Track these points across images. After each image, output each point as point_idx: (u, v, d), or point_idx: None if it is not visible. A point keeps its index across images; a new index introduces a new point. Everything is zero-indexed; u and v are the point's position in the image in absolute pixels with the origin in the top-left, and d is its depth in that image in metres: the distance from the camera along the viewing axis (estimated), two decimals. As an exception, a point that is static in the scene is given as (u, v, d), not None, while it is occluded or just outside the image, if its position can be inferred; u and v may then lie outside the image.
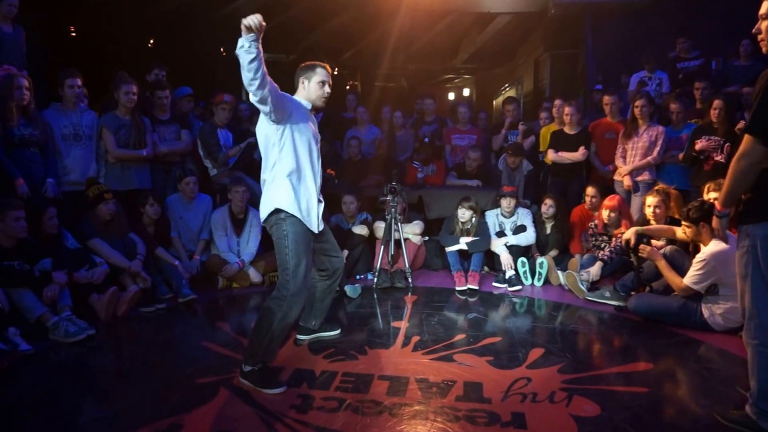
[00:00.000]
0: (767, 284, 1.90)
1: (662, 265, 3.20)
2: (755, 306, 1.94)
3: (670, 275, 3.14)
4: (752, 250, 1.91)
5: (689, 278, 2.98)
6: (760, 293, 1.92)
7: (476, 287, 3.96)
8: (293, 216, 2.37)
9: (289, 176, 2.38)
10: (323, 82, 2.46)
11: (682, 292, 3.06)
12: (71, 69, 3.76)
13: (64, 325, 2.91)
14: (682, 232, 3.16)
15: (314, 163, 2.47)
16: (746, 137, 1.85)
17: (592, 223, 4.22)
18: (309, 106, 2.51)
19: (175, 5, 7.08)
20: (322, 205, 2.56)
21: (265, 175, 2.45)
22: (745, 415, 2.02)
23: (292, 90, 2.50)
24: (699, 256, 2.97)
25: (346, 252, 4.03)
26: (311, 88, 2.46)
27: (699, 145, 3.93)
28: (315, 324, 2.91)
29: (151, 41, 7.78)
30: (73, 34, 6.91)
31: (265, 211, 2.43)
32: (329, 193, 4.75)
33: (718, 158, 3.88)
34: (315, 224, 2.46)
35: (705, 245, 2.99)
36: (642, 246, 3.29)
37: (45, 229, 3.24)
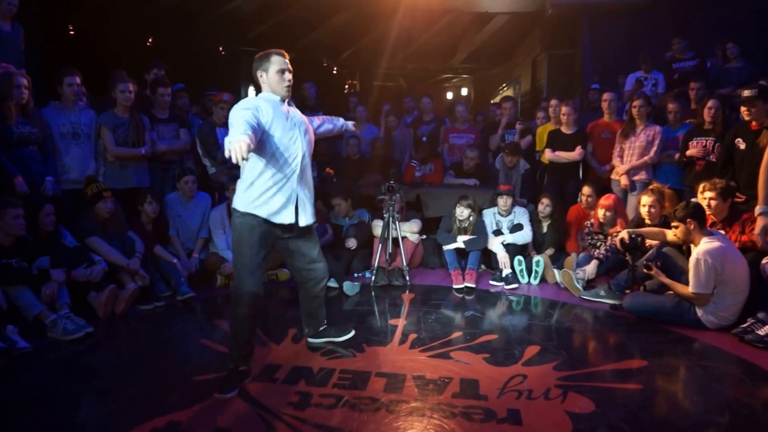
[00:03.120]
0: None
1: (668, 281, 3.14)
2: None
3: (677, 288, 3.07)
4: None
5: (693, 285, 2.95)
6: None
7: (473, 285, 3.99)
8: (244, 215, 2.34)
9: (251, 178, 2.33)
10: (282, 71, 2.35)
11: (698, 300, 2.98)
12: (70, 67, 3.77)
13: (62, 322, 2.92)
14: (673, 234, 3.18)
15: (287, 158, 2.34)
16: None
17: (588, 222, 4.25)
18: (277, 98, 2.39)
19: (174, 4, 7.08)
20: (304, 200, 2.45)
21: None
22: None
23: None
24: (693, 258, 2.99)
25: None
26: (271, 80, 2.35)
27: (689, 152, 3.97)
28: (307, 331, 2.83)
29: (150, 40, 7.77)
30: (72, 32, 6.89)
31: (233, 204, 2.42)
32: (328, 191, 4.78)
33: (711, 158, 3.91)
34: (265, 212, 2.33)
35: (696, 245, 3.02)
36: (648, 264, 3.24)
37: (42, 225, 3.25)
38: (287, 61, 2.39)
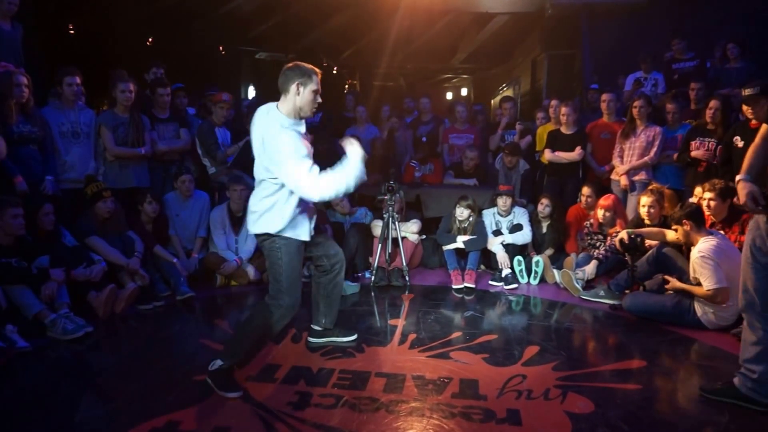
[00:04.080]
0: None
1: (685, 287, 3.09)
2: None
3: (696, 291, 3.02)
4: None
5: (707, 283, 2.90)
6: None
7: (473, 285, 3.99)
8: (285, 239, 2.36)
9: (281, 202, 2.34)
10: (316, 92, 2.34)
11: (717, 297, 2.90)
12: (70, 67, 3.76)
13: (61, 322, 2.91)
14: (673, 234, 3.18)
15: None
16: None
17: (588, 223, 4.25)
18: (301, 127, 2.38)
19: (174, 3, 7.07)
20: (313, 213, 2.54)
21: (260, 194, 2.38)
22: (732, 387, 2.19)
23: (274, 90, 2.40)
24: (692, 259, 2.98)
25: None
26: (306, 96, 2.31)
27: (694, 153, 3.97)
28: (326, 322, 2.83)
29: (150, 39, 7.78)
30: (72, 32, 6.90)
31: (258, 229, 2.38)
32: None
33: (714, 162, 3.91)
34: (306, 234, 2.44)
35: (694, 245, 3.02)
36: (666, 278, 3.21)
37: (41, 225, 3.24)
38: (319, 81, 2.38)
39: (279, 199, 2.33)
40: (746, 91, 3.30)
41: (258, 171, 2.39)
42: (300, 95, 2.29)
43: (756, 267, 2.10)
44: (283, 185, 2.31)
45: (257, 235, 2.43)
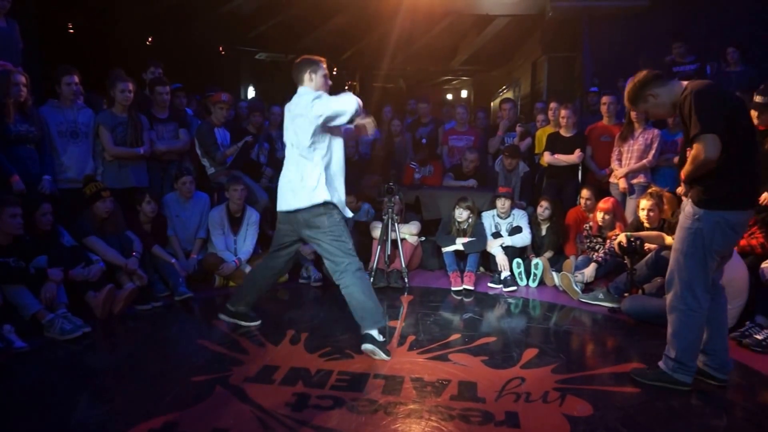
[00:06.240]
0: (704, 263, 2.24)
1: None
2: (689, 278, 2.27)
3: None
4: (699, 233, 2.21)
5: None
6: (697, 269, 2.26)
7: (472, 287, 3.99)
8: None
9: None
10: (326, 76, 2.75)
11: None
12: (69, 66, 3.75)
13: (59, 322, 2.90)
14: (672, 239, 3.18)
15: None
16: (702, 140, 2.08)
17: (587, 225, 4.25)
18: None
19: (174, 3, 7.08)
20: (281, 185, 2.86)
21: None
22: (660, 372, 2.38)
23: (289, 83, 2.61)
24: None
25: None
26: (319, 81, 2.71)
27: None
28: (243, 309, 3.06)
29: (150, 39, 7.78)
30: (71, 31, 6.90)
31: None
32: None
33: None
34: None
35: None
36: None
37: (39, 224, 3.23)
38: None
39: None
40: (757, 98, 3.33)
41: None
42: (313, 80, 2.72)
43: None
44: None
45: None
